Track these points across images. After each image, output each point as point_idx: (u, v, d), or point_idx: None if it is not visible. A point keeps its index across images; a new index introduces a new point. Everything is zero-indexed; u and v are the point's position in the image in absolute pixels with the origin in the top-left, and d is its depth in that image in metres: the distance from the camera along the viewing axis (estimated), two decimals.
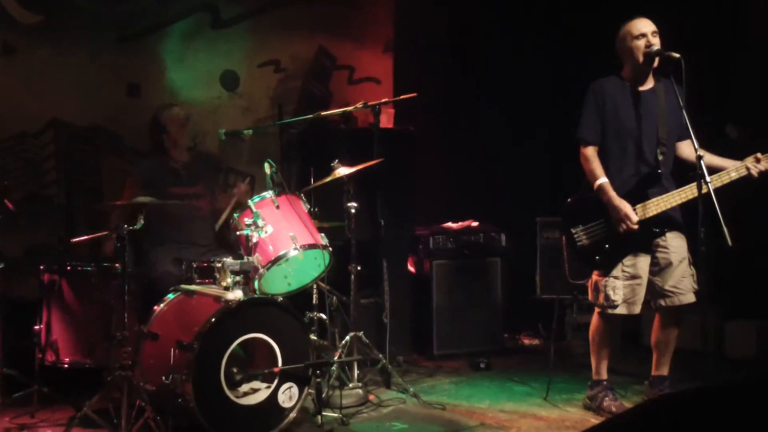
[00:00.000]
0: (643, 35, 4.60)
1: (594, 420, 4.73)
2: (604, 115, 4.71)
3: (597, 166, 4.67)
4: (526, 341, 7.04)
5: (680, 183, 4.61)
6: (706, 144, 4.28)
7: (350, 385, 5.05)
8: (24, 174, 5.96)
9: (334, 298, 5.48)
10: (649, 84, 4.74)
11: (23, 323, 4.85)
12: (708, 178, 4.10)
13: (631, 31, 4.64)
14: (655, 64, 4.63)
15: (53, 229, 5.97)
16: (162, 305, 4.70)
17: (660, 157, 4.65)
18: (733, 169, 4.51)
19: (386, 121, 6.48)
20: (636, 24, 4.65)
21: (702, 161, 4.10)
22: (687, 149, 4.75)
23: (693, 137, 4.20)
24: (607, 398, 4.78)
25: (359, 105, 5.39)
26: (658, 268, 4.70)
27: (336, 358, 5.04)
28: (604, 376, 4.87)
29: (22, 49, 5.94)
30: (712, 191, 4.05)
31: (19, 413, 4.72)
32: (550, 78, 7.70)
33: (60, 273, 4.88)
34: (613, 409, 4.72)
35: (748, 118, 6.16)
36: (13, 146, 5.94)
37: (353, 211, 5.12)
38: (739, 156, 4.60)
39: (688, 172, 4.47)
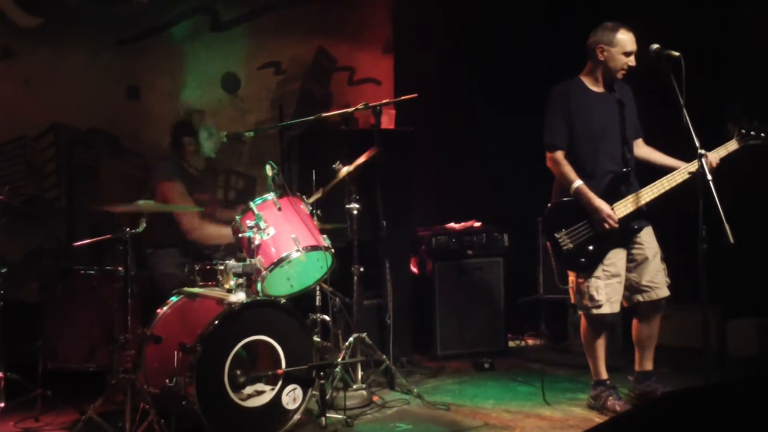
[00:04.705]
0: (631, 54, 4.67)
1: (598, 419, 4.72)
2: (570, 118, 4.75)
3: (569, 170, 4.71)
4: (530, 341, 7.03)
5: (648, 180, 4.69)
6: (707, 144, 4.30)
7: (354, 387, 5.04)
8: (24, 177, 5.96)
9: (337, 299, 5.47)
10: (610, 86, 4.82)
11: (25, 327, 4.84)
12: (676, 176, 4.35)
13: (623, 45, 4.67)
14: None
15: (54, 232, 5.97)
16: (165, 308, 4.69)
17: (627, 155, 4.76)
18: (677, 172, 4.62)
19: (387, 122, 6.46)
20: (628, 40, 4.68)
21: (703, 159, 4.19)
22: (641, 149, 4.89)
23: (694, 135, 4.23)
24: (611, 398, 4.76)
25: (360, 106, 5.38)
26: (634, 264, 4.75)
27: (339, 359, 5.04)
28: (605, 375, 4.85)
29: (21, 53, 5.94)
30: (713, 188, 4.08)
31: (23, 417, 4.71)
32: (551, 76, 7.66)
33: (61, 276, 4.89)
34: (618, 408, 4.70)
35: (750, 116, 6.14)
36: (14, 150, 5.94)
37: (355, 212, 5.12)
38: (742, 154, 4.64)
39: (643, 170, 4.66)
